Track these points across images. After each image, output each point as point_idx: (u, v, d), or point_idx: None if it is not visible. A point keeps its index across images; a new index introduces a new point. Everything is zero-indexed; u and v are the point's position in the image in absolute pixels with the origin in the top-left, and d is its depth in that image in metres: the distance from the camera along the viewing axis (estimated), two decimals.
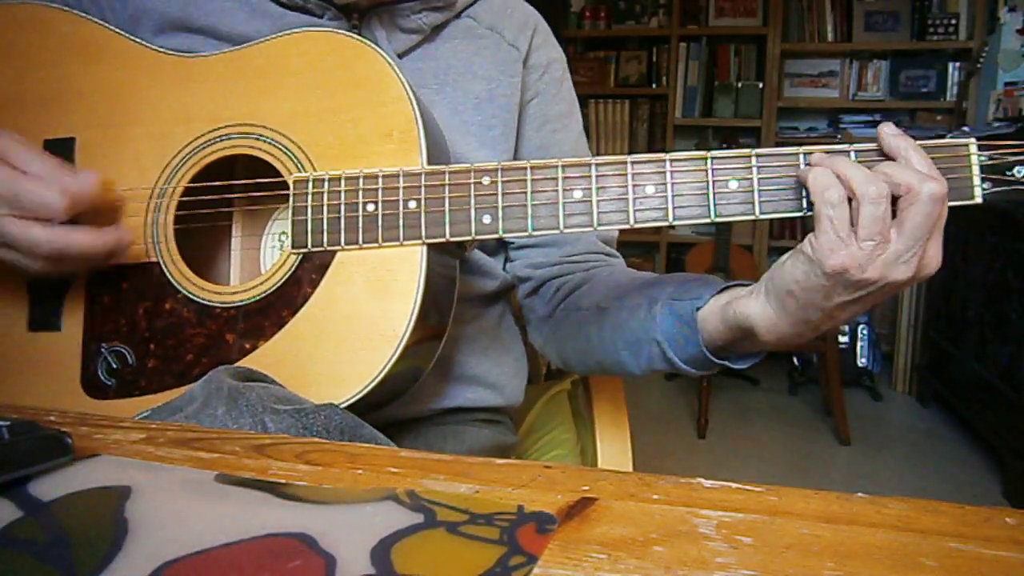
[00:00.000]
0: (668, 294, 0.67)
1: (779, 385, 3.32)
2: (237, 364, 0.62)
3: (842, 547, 0.32)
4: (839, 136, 3.48)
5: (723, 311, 0.61)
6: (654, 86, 3.93)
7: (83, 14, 0.72)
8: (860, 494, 0.37)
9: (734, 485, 0.38)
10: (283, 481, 0.39)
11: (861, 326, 3.14)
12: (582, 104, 4.21)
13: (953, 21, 3.38)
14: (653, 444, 2.63)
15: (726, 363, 0.65)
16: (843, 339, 3.07)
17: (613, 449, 0.91)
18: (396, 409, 0.74)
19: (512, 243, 0.84)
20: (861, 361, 3.14)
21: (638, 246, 3.90)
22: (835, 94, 3.64)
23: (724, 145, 3.71)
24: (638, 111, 3.97)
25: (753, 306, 0.59)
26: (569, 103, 0.87)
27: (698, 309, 0.64)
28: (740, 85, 3.75)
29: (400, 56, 0.76)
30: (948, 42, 3.40)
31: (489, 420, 0.85)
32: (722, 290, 0.64)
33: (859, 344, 3.14)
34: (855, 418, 2.81)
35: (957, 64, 3.43)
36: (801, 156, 0.56)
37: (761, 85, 3.70)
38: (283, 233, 0.73)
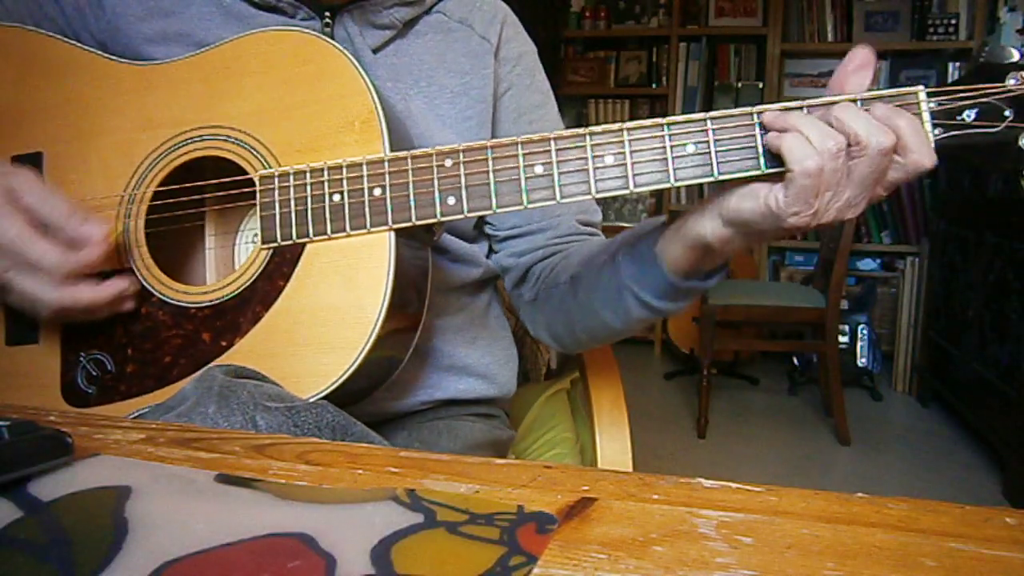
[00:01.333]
0: (626, 243, 0.70)
1: (779, 385, 3.32)
2: (225, 362, 0.62)
3: (842, 547, 0.32)
4: None
5: (678, 234, 0.63)
6: (654, 86, 3.93)
7: (45, 32, 0.73)
8: (860, 494, 0.37)
9: (734, 485, 0.38)
10: (283, 481, 0.39)
11: (861, 326, 3.14)
12: (582, 104, 4.22)
13: (953, 21, 3.38)
14: (653, 444, 2.63)
15: (696, 284, 0.66)
16: (843, 339, 3.07)
17: (613, 449, 0.91)
18: (388, 403, 0.74)
19: (496, 235, 0.85)
20: (861, 361, 3.14)
21: None
22: None
23: None
24: (638, 111, 3.98)
25: (707, 227, 0.60)
26: (543, 93, 0.89)
27: (654, 244, 0.66)
28: (740, 85, 3.75)
29: (374, 52, 0.77)
30: (948, 42, 3.40)
31: (483, 415, 0.85)
32: (670, 222, 0.66)
33: (859, 344, 3.14)
34: (855, 418, 2.81)
35: (957, 64, 3.43)
36: (755, 116, 0.57)
37: (761, 85, 3.70)
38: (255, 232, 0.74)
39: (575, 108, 4.05)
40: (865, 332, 3.14)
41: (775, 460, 2.56)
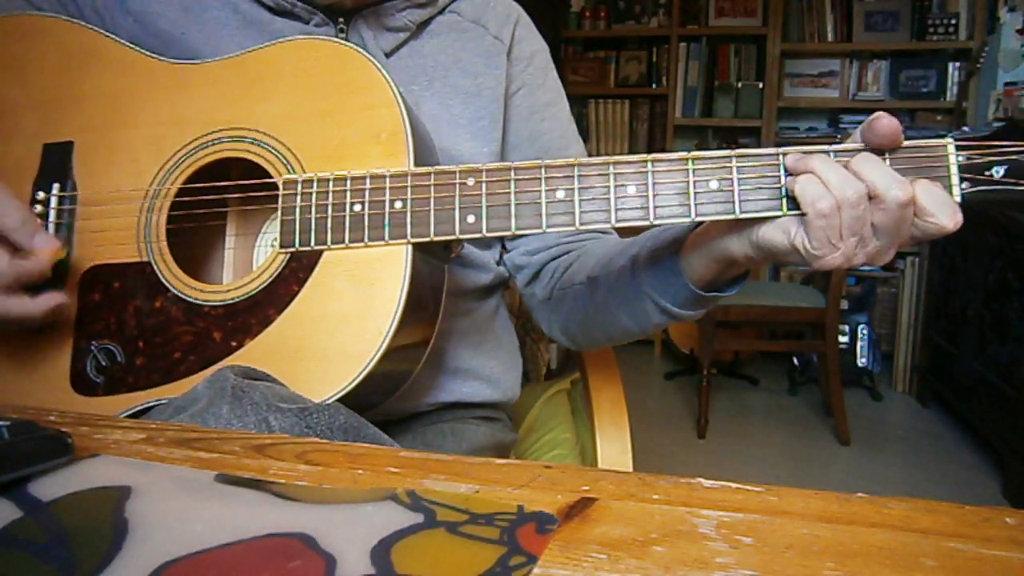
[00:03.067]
0: (647, 247, 0.69)
1: (779, 385, 3.32)
2: (233, 363, 0.62)
3: (842, 547, 0.32)
4: (839, 136, 3.48)
5: (707, 250, 0.63)
6: (654, 86, 3.93)
7: (82, 23, 0.73)
8: (860, 494, 0.37)
9: (734, 485, 0.38)
10: (283, 481, 0.39)
11: (861, 326, 3.14)
12: (582, 104, 4.21)
13: (953, 21, 3.38)
14: (653, 444, 2.63)
15: (717, 294, 0.66)
16: (843, 339, 3.07)
17: (613, 449, 0.92)
18: (392, 405, 0.75)
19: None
20: (861, 361, 3.14)
21: None
22: (835, 94, 3.64)
23: (723, 145, 3.70)
24: (638, 111, 3.98)
25: (735, 248, 0.60)
26: (555, 92, 0.89)
27: (677, 252, 0.65)
28: (740, 85, 3.75)
29: (388, 55, 0.77)
30: (948, 42, 3.40)
31: (487, 417, 0.85)
32: (695, 228, 0.65)
33: (859, 344, 3.14)
34: (855, 418, 2.81)
35: (957, 64, 3.43)
36: (781, 157, 0.57)
37: (761, 85, 3.70)
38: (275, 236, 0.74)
39: (575, 108, 3.99)
40: (865, 332, 3.14)
41: (775, 460, 2.56)
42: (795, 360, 3.26)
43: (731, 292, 0.66)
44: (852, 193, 0.53)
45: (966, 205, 0.55)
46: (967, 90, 3.19)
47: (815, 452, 2.63)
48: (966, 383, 2.63)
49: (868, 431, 2.79)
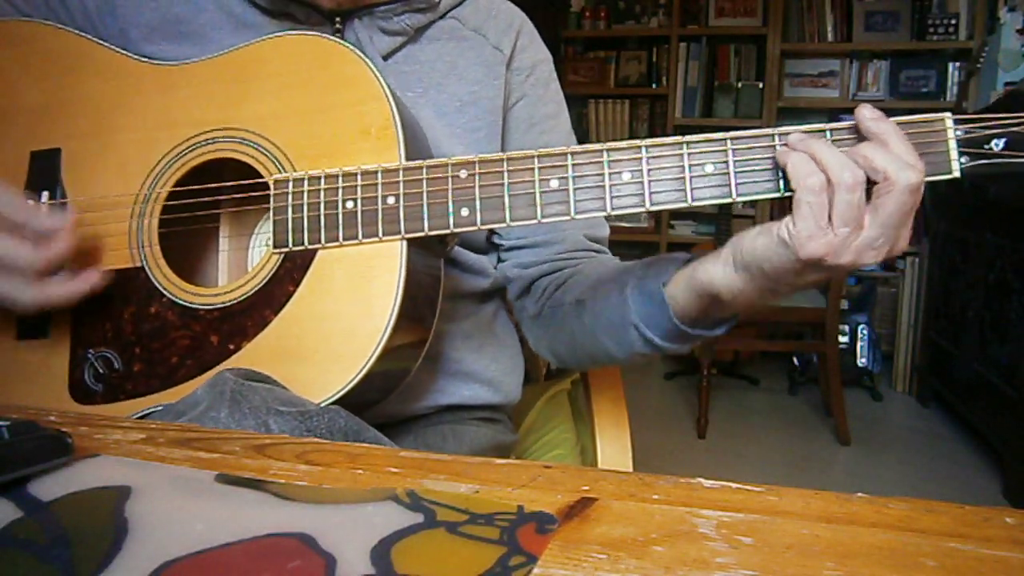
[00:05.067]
0: (636, 276, 0.68)
1: (779, 385, 3.32)
2: (233, 366, 0.62)
3: (842, 547, 0.32)
4: None
5: (689, 280, 0.62)
6: (654, 86, 3.93)
7: (68, 28, 0.73)
8: (860, 494, 0.37)
9: (734, 485, 0.38)
10: (283, 481, 0.39)
11: (861, 326, 3.14)
12: (582, 104, 4.21)
13: (953, 21, 3.38)
14: (653, 444, 2.63)
15: (703, 332, 0.65)
16: (843, 339, 3.07)
17: (613, 449, 0.91)
18: (393, 407, 0.74)
19: (503, 244, 0.84)
20: (861, 361, 3.14)
21: (637, 246, 3.90)
22: (835, 94, 3.65)
23: None
24: (638, 111, 3.98)
25: (717, 273, 0.59)
26: (557, 104, 0.87)
27: (664, 284, 0.64)
28: (740, 85, 3.75)
29: (384, 58, 0.76)
30: (948, 42, 3.40)
31: (488, 419, 0.85)
32: (688, 262, 0.64)
33: (859, 344, 3.14)
34: (855, 418, 2.81)
35: (957, 64, 3.44)
36: (776, 138, 0.57)
37: (761, 85, 3.70)
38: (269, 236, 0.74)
39: (575, 108, 4.04)
40: (865, 332, 3.14)
41: (775, 460, 2.56)
42: (795, 360, 3.26)
43: (717, 332, 0.65)
44: (849, 176, 0.52)
45: (968, 178, 0.55)
46: (967, 90, 3.18)
47: (815, 452, 2.63)
48: (966, 383, 2.63)
49: (868, 431, 2.79)
